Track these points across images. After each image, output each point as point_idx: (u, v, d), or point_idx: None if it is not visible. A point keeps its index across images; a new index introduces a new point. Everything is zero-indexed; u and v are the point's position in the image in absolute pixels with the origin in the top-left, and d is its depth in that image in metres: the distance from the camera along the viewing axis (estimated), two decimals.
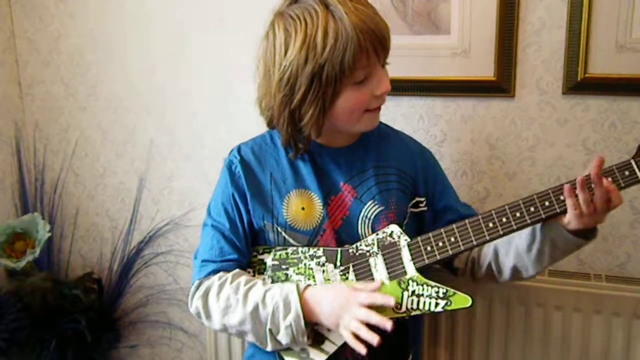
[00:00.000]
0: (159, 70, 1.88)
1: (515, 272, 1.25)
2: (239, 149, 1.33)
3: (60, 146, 2.05)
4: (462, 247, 1.17)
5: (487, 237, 1.16)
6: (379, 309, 1.14)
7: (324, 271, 1.23)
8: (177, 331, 2.06)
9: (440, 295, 1.16)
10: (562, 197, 1.13)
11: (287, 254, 1.26)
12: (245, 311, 1.19)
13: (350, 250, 1.24)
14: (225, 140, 1.83)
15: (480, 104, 1.60)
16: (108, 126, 1.98)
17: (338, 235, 1.25)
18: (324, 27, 1.10)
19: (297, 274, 1.25)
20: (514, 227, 1.15)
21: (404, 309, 1.17)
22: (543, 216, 1.14)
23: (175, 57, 1.85)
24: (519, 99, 1.56)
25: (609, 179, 1.12)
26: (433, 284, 1.17)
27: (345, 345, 1.20)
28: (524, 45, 1.53)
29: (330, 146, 1.29)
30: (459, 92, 1.60)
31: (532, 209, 1.14)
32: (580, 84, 1.49)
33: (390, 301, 1.14)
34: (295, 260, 1.25)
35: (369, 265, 1.22)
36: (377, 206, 1.26)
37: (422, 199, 1.33)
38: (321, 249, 1.24)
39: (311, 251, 1.24)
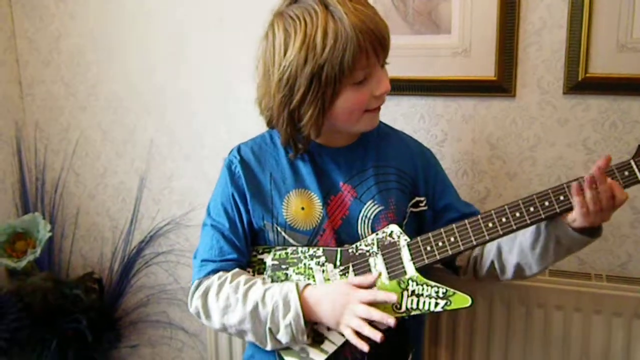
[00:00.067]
0: (159, 70, 1.88)
1: (519, 269, 1.25)
2: (238, 149, 1.33)
3: (60, 146, 2.06)
4: (461, 247, 1.17)
5: (487, 237, 1.16)
6: (379, 307, 1.14)
7: (323, 271, 1.23)
8: (178, 331, 2.06)
9: (440, 295, 1.16)
10: (561, 198, 1.13)
11: (286, 253, 1.26)
12: (244, 310, 1.19)
13: (350, 250, 1.24)
14: (225, 140, 1.83)
15: (481, 104, 1.60)
16: (108, 126, 1.99)
17: (338, 235, 1.25)
18: (323, 28, 1.10)
19: (296, 273, 1.24)
20: (514, 227, 1.15)
21: (403, 308, 1.17)
22: (542, 216, 1.14)
23: (175, 57, 1.85)
24: (519, 99, 1.56)
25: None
26: (433, 283, 1.17)
27: (344, 345, 1.20)
28: (524, 44, 1.53)
29: (329, 146, 1.29)
30: (460, 91, 1.60)
31: (531, 209, 1.14)
32: (581, 83, 1.49)
33: (392, 297, 1.14)
34: (295, 260, 1.25)
35: (368, 265, 1.22)
36: (376, 206, 1.26)
37: (422, 199, 1.32)
38: (321, 248, 1.24)
39: (311, 251, 1.24)
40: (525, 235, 1.21)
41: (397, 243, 1.22)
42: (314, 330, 1.21)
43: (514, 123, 1.58)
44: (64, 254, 2.11)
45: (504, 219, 1.16)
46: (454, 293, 1.15)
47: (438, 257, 1.19)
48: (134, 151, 1.97)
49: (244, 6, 1.73)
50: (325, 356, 1.19)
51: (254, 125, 1.39)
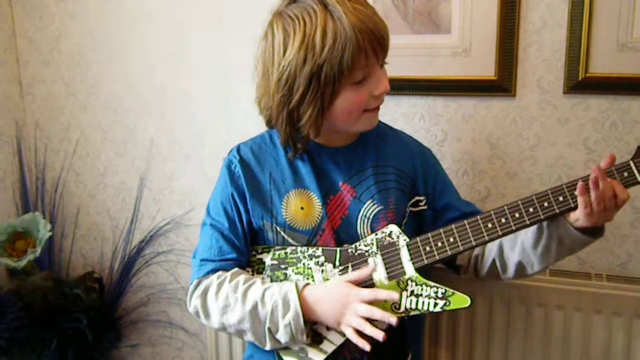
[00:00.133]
0: (159, 70, 1.88)
1: (520, 268, 1.25)
2: (238, 149, 1.33)
3: (61, 145, 2.06)
4: (461, 248, 1.17)
5: (486, 238, 1.16)
6: (378, 307, 1.14)
7: (322, 271, 1.23)
8: (178, 330, 2.06)
9: (439, 295, 1.16)
10: (560, 198, 1.13)
11: (286, 253, 1.26)
12: (244, 310, 1.19)
13: (350, 250, 1.24)
14: (225, 140, 1.83)
15: (481, 104, 1.59)
16: (108, 126, 1.99)
17: (337, 235, 1.25)
18: (322, 27, 1.10)
19: (296, 273, 1.24)
20: (513, 227, 1.15)
21: (402, 309, 1.17)
22: (542, 217, 1.14)
23: (175, 57, 1.85)
24: (520, 99, 1.56)
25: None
26: (432, 284, 1.17)
27: (343, 345, 1.20)
28: (525, 44, 1.52)
29: (329, 146, 1.29)
30: (460, 91, 1.60)
31: (531, 209, 1.14)
32: (581, 83, 1.49)
33: (394, 296, 1.14)
34: (294, 260, 1.25)
35: (367, 265, 1.22)
36: (376, 206, 1.26)
37: (422, 198, 1.32)
38: (320, 248, 1.24)
39: (310, 251, 1.24)
40: (527, 234, 1.21)
41: (397, 243, 1.22)
42: (313, 330, 1.21)
43: (514, 123, 1.58)
44: (64, 254, 2.12)
45: (503, 220, 1.16)
46: (453, 293, 1.15)
47: (437, 258, 1.19)
48: (134, 151, 1.97)
49: (244, 6, 1.73)
50: (324, 356, 1.19)
51: (253, 125, 1.39)
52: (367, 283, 1.21)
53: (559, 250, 1.19)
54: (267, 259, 1.28)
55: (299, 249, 1.25)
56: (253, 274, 1.29)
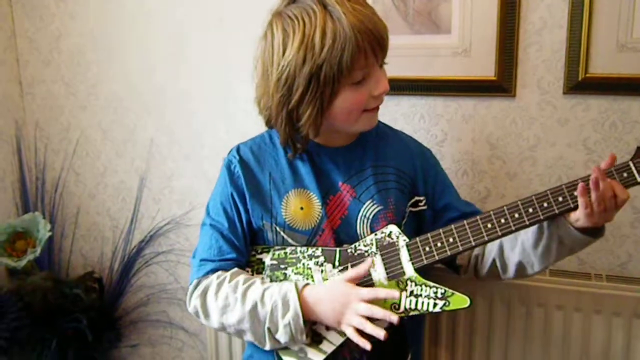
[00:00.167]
0: (159, 70, 1.88)
1: (520, 268, 1.25)
2: (238, 149, 1.33)
3: (60, 145, 2.06)
4: (460, 248, 1.17)
5: (486, 238, 1.16)
6: (379, 305, 1.14)
7: (322, 271, 1.23)
8: (178, 330, 2.06)
9: (439, 295, 1.16)
10: (560, 199, 1.13)
11: (285, 253, 1.26)
12: (243, 310, 1.19)
13: (349, 250, 1.24)
14: (225, 140, 1.83)
15: (481, 104, 1.60)
16: (108, 125, 1.99)
17: (337, 235, 1.25)
18: (322, 27, 1.10)
19: (295, 273, 1.24)
20: (513, 228, 1.15)
21: (402, 309, 1.17)
22: (541, 217, 1.14)
23: (175, 57, 1.85)
24: (519, 99, 1.56)
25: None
26: (431, 284, 1.17)
27: (343, 345, 1.20)
28: (525, 44, 1.52)
29: (328, 146, 1.29)
30: (460, 91, 1.60)
31: (530, 210, 1.14)
32: (581, 83, 1.49)
33: (394, 294, 1.14)
34: (294, 260, 1.25)
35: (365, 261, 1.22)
36: (375, 206, 1.26)
37: (422, 198, 1.32)
38: (320, 248, 1.24)
39: (310, 251, 1.24)
40: (528, 235, 1.21)
41: (396, 243, 1.22)
42: (313, 331, 1.21)
43: (514, 123, 1.58)
44: (64, 254, 2.12)
45: (502, 220, 1.16)
46: (453, 294, 1.15)
47: (437, 258, 1.19)
48: (134, 151, 1.98)
49: (244, 6, 1.73)
50: (324, 356, 1.19)
51: (253, 125, 1.39)
52: (367, 283, 1.21)
53: (559, 250, 1.19)
54: (267, 259, 1.28)
55: (298, 249, 1.25)
56: (253, 274, 1.29)
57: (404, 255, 1.20)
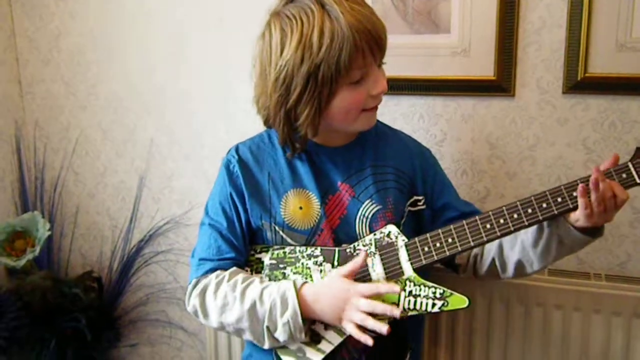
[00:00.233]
0: (158, 70, 1.88)
1: (520, 267, 1.25)
2: (236, 149, 1.33)
3: (60, 145, 2.06)
4: (459, 248, 1.17)
5: (485, 239, 1.16)
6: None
7: (321, 271, 1.23)
8: (177, 330, 2.06)
9: (437, 295, 1.16)
10: (559, 199, 1.13)
11: (284, 253, 1.26)
12: (242, 309, 1.19)
13: (348, 250, 1.24)
14: (225, 140, 1.83)
15: (481, 103, 1.60)
16: (108, 125, 1.99)
17: (335, 235, 1.25)
18: (319, 27, 1.10)
19: (294, 273, 1.24)
20: (512, 228, 1.15)
21: (401, 309, 1.17)
22: (540, 218, 1.14)
23: (175, 57, 1.85)
24: (519, 98, 1.56)
25: None
26: (430, 284, 1.17)
27: (342, 344, 1.20)
28: (524, 44, 1.52)
29: (327, 145, 1.29)
30: (459, 91, 1.60)
31: (529, 210, 1.14)
32: (580, 83, 1.49)
33: (395, 289, 1.14)
34: (293, 260, 1.25)
35: (366, 265, 1.22)
36: (374, 205, 1.26)
37: (420, 198, 1.32)
38: (319, 248, 1.24)
39: (309, 250, 1.24)
40: (527, 233, 1.21)
41: (395, 243, 1.21)
42: (311, 330, 1.21)
43: (513, 123, 1.58)
44: (63, 253, 2.12)
45: (501, 221, 1.16)
46: (451, 294, 1.15)
47: (436, 258, 1.19)
48: (134, 150, 1.98)
49: (244, 6, 1.73)
50: (322, 356, 1.19)
51: (253, 125, 1.39)
52: (365, 279, 1.21)
53: (559, 249, 1.19)
54: (266, 258, 1.28)
55: (297, 248, 1.25)
56: (252, 274, 1.29)
57: (403, 255, 1.20)
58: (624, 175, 1.13)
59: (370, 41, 1.12)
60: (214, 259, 1.27)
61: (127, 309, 2.08)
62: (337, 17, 1.10)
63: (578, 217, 1.13)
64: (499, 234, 1.16)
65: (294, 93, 1.14)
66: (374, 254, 1.22)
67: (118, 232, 2.06)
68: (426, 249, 1.19)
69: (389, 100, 1.65)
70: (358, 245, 1.24)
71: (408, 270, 1.19)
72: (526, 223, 1.15)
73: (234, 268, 1.26)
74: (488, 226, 1.16)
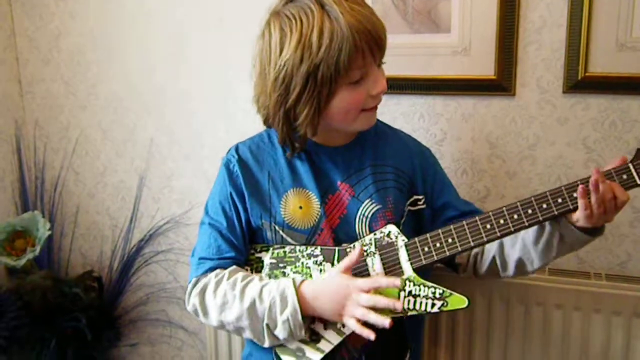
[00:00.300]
0: (158, 70, 1.88)
1: (520, 265, 1.25)
2: (236, 148, 1.33)
3: (60, 144, 2.06)
4: (459, 249, 1.17)
5: (485, 239, 1.16)
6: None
7: (321, 270, 1.23)
8: (177, 329, 2.06)
9: (437, 296, 1.16)
10: (559, 200, 1.13)
11: (284, 252, 1.26)
12: (242, 307, 1.19)
13: (348, 250, 1.23)
14: (225, 139, 1.83)
15: (481, 103, 1.59)
16: (108, 125, 1.99)
17: (335, 234, 1.25)
18: (319, 27, 1.10)
19: (294, 272, 1.24)
20: (512, 229, 1.15)
21: (400, 309, 1.17)
22: (540, 219, 1.14)
23: (175, 57, 1.85)
24: (519, 98, 1.56)
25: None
26: (430, 284, 1.17)
27: (341, 344, 1.20)
28: (524, 43, 1.52)
29: (327, 145, 1.28)
30: (460, 90, 1.60)
31: (529, 211, 1.14)
32: (580, 82, 1.49)
33: (396, 282, 1.13)
34: (293, 259, 1.25)
35: (366, 265, 1.22)
36: (374, 205, 1.26)
37: (420, 197, 1.32)
38: (319, 247, 1.24)
39: (309, 250, 1.24)
40: (528, 231, 1.21)
41: (395, 243, 1.21)
42: (311, 330, 1.21)
43: (513, 122, 1.58)
44: (63, 253, 2.12)
45: (501, 221, 1.16)
46: (451, 294, 1.15)
47: (435, 258, 1.18)
48: (134, 150, 1.98)
49: (244, 6, 1.72)
50: (322, 355, 1.19)
51: (253, 125, 1.39)
52: (363, 274, 1.21)
53: (560, 247, 1.19)
54: (266, 257, 1.28)
55: (297, 248, 1.25)
56: (252, 273, 1.29)
57: (403, 255, 1.20)
58: (625, 177, 1.12)
59: (369, 41, 1.12)
60: (214, 258, 1.27)
61: (127, 309, 2.08)
62: (336, 17, 1.10)
63: (578, 217, 1.13)
64: (499, 234, 1.16)
65: (293, 93, 1.14)
66: (374, 253, 1.22)
67: (118, 232, 2.06)
68: (426, 249, 1.19)
69: (390, 99, 1.65)
70: (358, 244, 1.23)
71: (408, 270, 1.19)
72: (526, 224, 1.15)
73: (234, 267, 1.26)
74: (488, 226, 1.16)
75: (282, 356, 1.22)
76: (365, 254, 1.22)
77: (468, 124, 1.61)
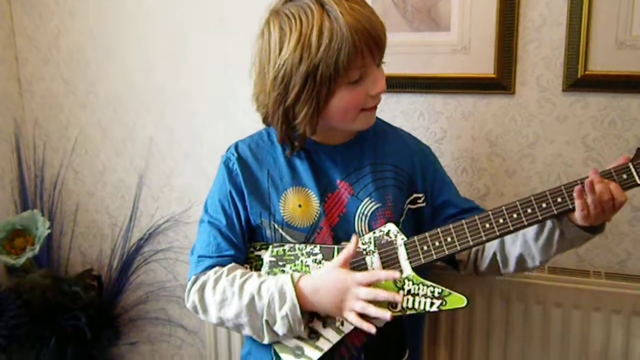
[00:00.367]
0: (158, 68, 1.88)
1: (521, 261, 1.25)
2: (236, 146, 1.33)
3: (59, 143, 2.06)
4: (458, 248, 1.17)
5: (484, 238, 1.16)
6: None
7: (320, 269, 1.23)
8: (177, 328, 2.06)
9: (436, 295, 1.16)
10: (559, 199, 1.13)
11: (284, 250, 1.26)
12: (241, 304, 1.19)
13: None
14: (224, 138, 1.82)
15: (481, 101, 1.59)
16: (107, 124, 1.99)
17: (335, 233, 1.25)
18: (319, 27, 1.10)
19: (293, 270, 1.24)
20: (511, 228, 1.15)
21: (399, 307, 1.17)
22: (540, 218, 1.14)
23: (175, 56, 1.84)
24: (519, 96, 1.56)
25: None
26: (429, 283, 1.17)
27: (340, 342, 1.20)
28: (524, 42, 1.52)
29: (326, 143, 1.28)
30: (459, 89, 1.59)
31: (529, 210, 1.14)
32: (580, 81, 1.49)
33: (395, 275, 1.13)
34: (292, 257, 1.25)
35: (365, 263, 1.22)
36: (373, 203, 1.26)
37: (420, 196, 1.32)
38: (318, 246, 1.24)
39: (308, 248, 1.24)
40: (529, 228, 1.21)
41: (394, 242, 1.21)
42: (310, 328, 1.20)
43: (513, 120, 1.58)
44: (62, 251, 2.12)
45: (501, 220, 1.15)
46: (450, 293, 1.15)
47: (435, 257, 1.18)
48: (133, 149, 1.97)
49: (244, 6, 1.72)
50: (321, 354, 1.19)
51: (252, 123, 1.39)
52: (361, 269, 1.21)
53: (560, 243, 1.19)
54: (266, 256, 1.28)
55: (297, 246, 1.25)
56: (251, 271, 1.29)
57: (402, 253, 1.20)
58: (625, 176, 1.12)
59: (369, 42, 1.12)
60: (213, 256, 1.27)
61: (127, 307, 2.08)
62: (336, 17, 1.09)
63: (577, 217, 1.13)
64: (498, 233, 1.16)
65: (292, 92, 1.14)
66: (373, 252, 1.22)
67: (118, 231, 2.06)
68: (425, 248, 1.19)
69: (389, 97, 1.65)
70: (354, 237, 1.23)
71: (407, 269, 1.19)
72: (525, 223, 1.14)
73: (233, 264, 1.26)
74: (487, 226, 1.16)
75: (281, 355, 1.22)
76: (364, 252, 1.22)
77: (468, 122, 1.61)
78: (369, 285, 1.13)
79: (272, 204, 1.26)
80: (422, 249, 1.19)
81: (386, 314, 1.10)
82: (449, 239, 1.18)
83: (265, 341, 1.21)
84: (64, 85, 2.00)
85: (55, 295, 1.82)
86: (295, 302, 1.15)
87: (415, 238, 1.20)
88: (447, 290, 1.15)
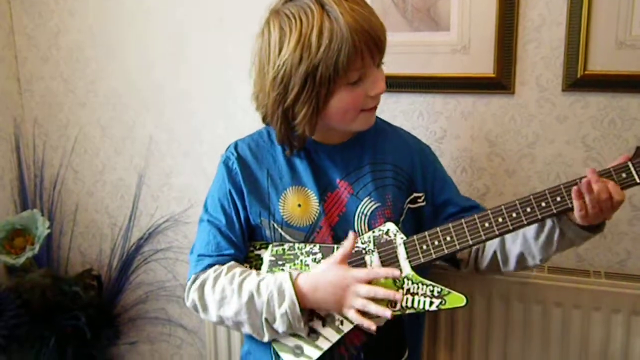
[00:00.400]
0: (158, 67, 1.87)
1: (521, 259, 1.25)
2: (235, 146, 1.33)
3: (59, 142, 2.06)
4: (457, 247, 1.17)
5: (483, 237, 1.16)
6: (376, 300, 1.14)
7: (318, 266, 1.23)
8: (177, 327, 2.06)
9: (435, 294, 1.16)
10: (558, 199, 1.13)
11: (284, 249, 1.26)
12: (240, 302, 1.19)
13: None
14: (224, 137, 1.83)
15: (480, 101, 1.59)
16: (107, 122, 1.98)
17: (334, 232, 1.25)
18: (319, 27, 1.10)
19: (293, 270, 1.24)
20: (510, 227, 1.15)
21: (398, 307, 1.17)
22: (539, 217, 1.14)
23: (175, 56, 1.84)
24: (518, 96, 1.56)
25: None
26: (428, 282, 1.17)
27: (340, 341, 1.20)
28: (524, 41, 1.52)
29: (326, 143, 1.28)
30: (459, 88, 1.59)
31: (528, 209, 1.14)
32: (579, 80, 1.49)
33: (395, 273, 1.13)
34: (292, 257, 1.25)
35: (364, 262, 1.22)
36: (373, 202, 1.26)
37: (420, 195, 1.32)
38: (317, 245, 1.24)
39: (308, 247, 1.24)
40: (529, 227, 1.21)
41: (394, 241, 1.21)
42: (309, 327, 1.20)
43: (512, 120, 1.58)
44: (62, 251, 2.12)
45: (500, 219, 1.15)
46: (449, 292, 1.15)
47: (434, 256, 1.18)
48: (133, 148, 1.97)
49: (244, 6, 1.72)
50: (320, 353, 1.19)
51: (252, 123, 1.39)
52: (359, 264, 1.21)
53: (560, 242, 1.19)
54: (265, 255, 1.28)
55: (296, 245, 1.25)
56: (251, 269, 1.29)
57: (402, 253, 1.20)
58: (624, 175, 1.12)
59: (369, 42, 1.12)
60: (213, 255, 1.27)
61: (126, 307, 2.08)
62: (336, 17, 1.09)
63: (575, 216, 1.13)
64: (497, 232, 1.16)
65: (292, 92, 1.14)
66: (373, 251, 1.22)
67: (117, 230, 2.06)
68: (424, 247, 1.19)
69: (389, 97, 1.65)
70: (357, 242, 1.23)
71: (406, 268, 1.19)
72: (525, 222, 1.15)
73: (232, 262, 1.26)
74: (487, 225, 1.16)
75: (280, 354, 1.23)
76: (364, 251, 1.22)
77: (467, 122, 1.61)
78: (369, 282, 1.13)
79: (272, 203, 1.26)
80: (421, 248, 1.19)
81: (386, 312, 1.10)
82: (448, 238, 1.18)
83: (265, 339, 1.21)
84: (64, 84, 2.00)
85: (55, 295, 1.82)
86: (294, 299, 1.15)
87: (415, 237, 1.20)
88: (447, 289, 1.16)
